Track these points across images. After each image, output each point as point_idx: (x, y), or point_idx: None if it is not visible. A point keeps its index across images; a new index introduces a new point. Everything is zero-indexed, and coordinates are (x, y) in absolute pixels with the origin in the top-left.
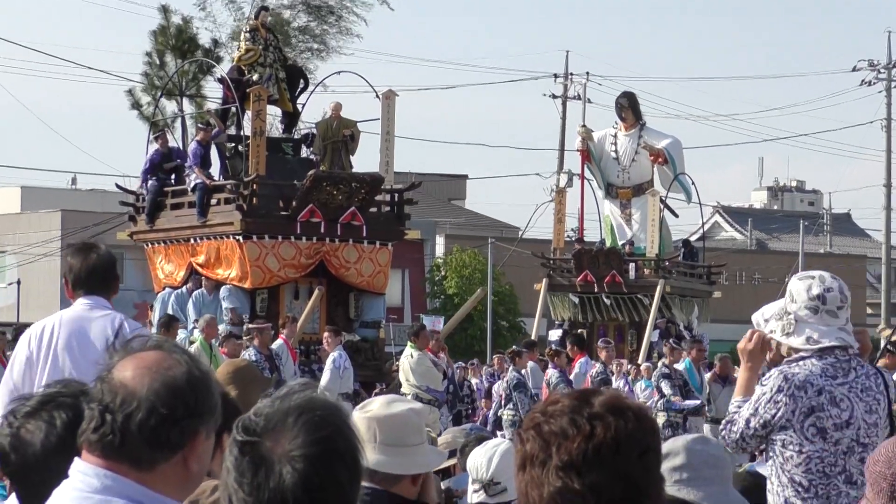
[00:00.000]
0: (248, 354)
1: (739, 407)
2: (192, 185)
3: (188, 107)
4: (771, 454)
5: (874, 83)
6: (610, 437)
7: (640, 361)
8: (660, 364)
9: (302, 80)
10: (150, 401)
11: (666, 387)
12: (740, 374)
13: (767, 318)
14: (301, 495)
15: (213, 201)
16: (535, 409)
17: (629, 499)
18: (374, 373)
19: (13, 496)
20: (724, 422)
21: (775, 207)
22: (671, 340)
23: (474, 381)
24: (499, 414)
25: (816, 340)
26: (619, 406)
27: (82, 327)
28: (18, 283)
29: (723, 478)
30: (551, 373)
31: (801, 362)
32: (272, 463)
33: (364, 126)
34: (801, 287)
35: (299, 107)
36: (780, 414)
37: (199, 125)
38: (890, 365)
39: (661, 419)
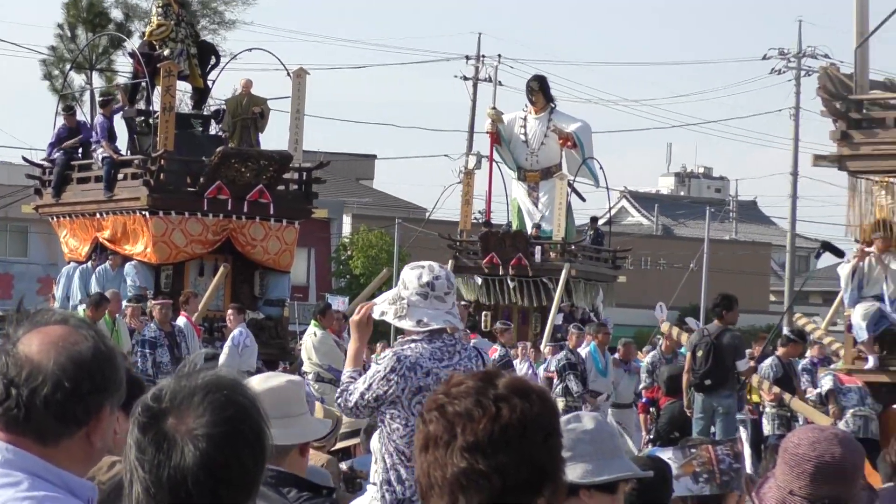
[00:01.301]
0: (148, 331)
1: (352, 377)
2: (100, 159)
3: (98, 81)
4: (380, 424)
5: (784, 71)
6: (516, 419)
7: (543, 345)
8: (563, 354)
9: (213, 57)
10: (56, 375)
11: (573, 383)
12: (350, 345)
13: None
14: (201, 475)
15: (121, 176)
16: (438, 391)
17: (534, 481)
18: (277, 351)
19: None
20: (339, 390)
21: (682, 193)
22: (574, 325)
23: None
24: None
25: (426, 323)
26: (523, 388)
27: None
28: None
29: (603, 451)
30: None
31: (412, 345)
32: (174, 441)
33: (274, 104)
34: (412, 275)
35: (210, 83)
36: (391, 391)
37: (101, 98)
38: (791, 353)
39: (560, 404)
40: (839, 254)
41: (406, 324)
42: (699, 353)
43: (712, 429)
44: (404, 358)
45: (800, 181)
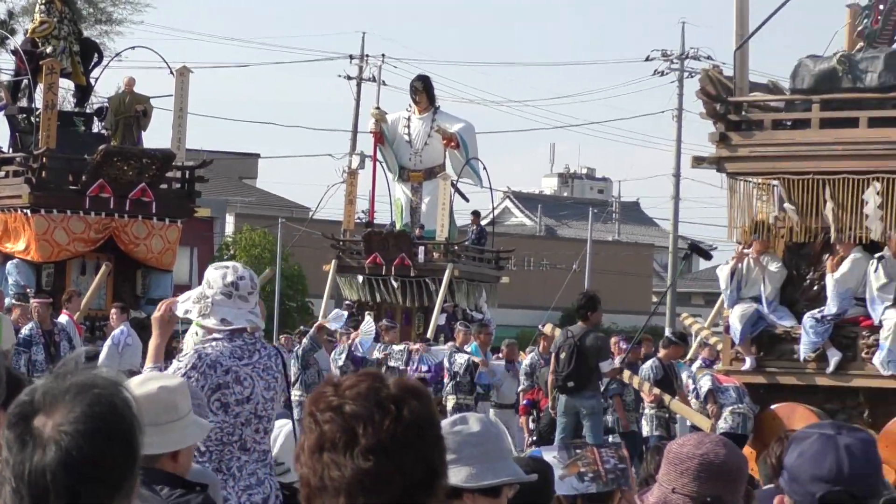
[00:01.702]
0: (27, 330)
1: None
2: None
3: None
4: None
5: (667, 73)
6: (414, 419)
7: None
8: (448, 346)
9: (96, 54)
10: None
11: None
12: (151, 341)
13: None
14: (61, 473)
15: (2, 174)
16: (325, 392)
17: (427, 482)
18: None
19: None
20: None
21: (565, 194)
22: (459, 322)
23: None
24: (287, 393)
25: (229, 322)
26: (414, 388)
27: None
28: None
29: (488, 453)
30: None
31: (213, 343)
32: (39, 439)
33: (157, 102)
34: (217, 275)
35: (92, 81)
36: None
37: None
38: (672, 355)
39: (450, 402)
40: (706, 255)
41: (209, 322)
42: (562, 355)
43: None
44: (205, 356)
45: (682, 182)
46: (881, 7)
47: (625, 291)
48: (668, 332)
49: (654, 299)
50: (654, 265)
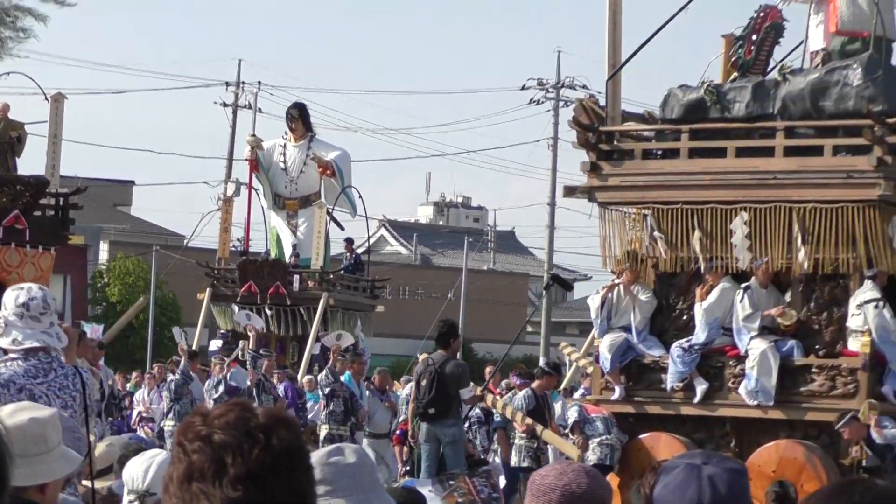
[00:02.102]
0: None
1: None
2: None
3: None
4: None
5: (543, 102)
6: (284, 449)
7: (301, 374)
8: (324, 372)
9: None
10: None
11: (335, 405)
12: None
13: None
14: None
15: None
16: (194, 421)
17: None
18: None
19: None
20: None
21: (441, 223)
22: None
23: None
24: (161, 425)
25: (20, 342)
26: (282, 418)
27: None
28: None
29: (363, 485)
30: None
31: (8, 363)
32: None
33: (32, 128)
34: (11, 296)
35: None
36: None
37: None
38: (545, 386)
39: (323, 432)
40: (567, 287)
41: (4, 342)
42: (423, 382)
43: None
44: None
45: (558, 212)
46: (754, 37)
47: (500, 321)
48: (542, 362)
49: (530, 329)
50: (529, 294)
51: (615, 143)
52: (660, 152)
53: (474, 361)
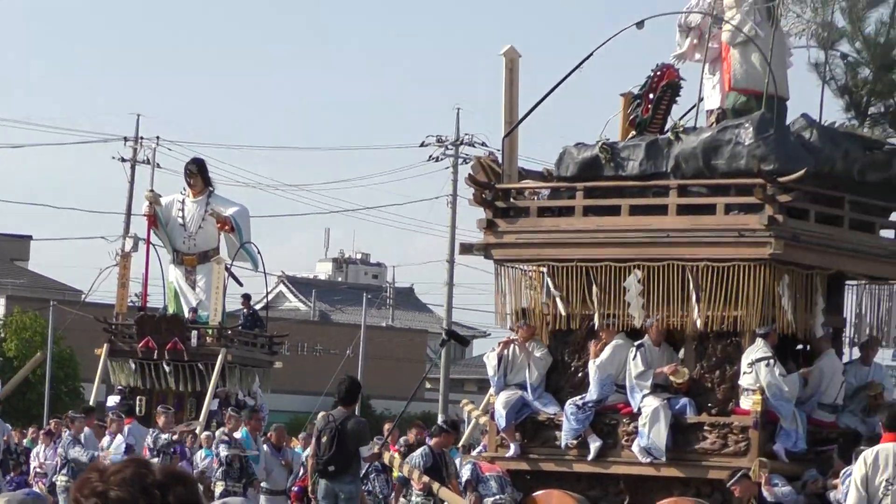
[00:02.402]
0: None
1: None
2: None
3: None
4: None
5: (442, 159)
6: None
7: (198, 430)
8: (218, 433)
9: None
10: None
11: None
12: None
13: None
14: None
15: None
16: (90, 477)
17: None
18: None
19: None
20: None
21: (340, 279)
22: (230, 409)
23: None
24: (53, 479)
25: None
26: (178, 475)
27: None
28: None
29: None
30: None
31: None
32: None
33: None
34: None
35: None
36: None
37: None
38: (443, 443)
39: (219, 488)
40: (464, 342)
41: None
42: (324, 439)
43: None
44: None
45: (457, 268)
46: (651, 96)
47: (398, 377)
48: (440, 419)
49: (429, 385)
50: (428, 351)
51: (511, 200)
52: (555, 210)
53: (373, 418)
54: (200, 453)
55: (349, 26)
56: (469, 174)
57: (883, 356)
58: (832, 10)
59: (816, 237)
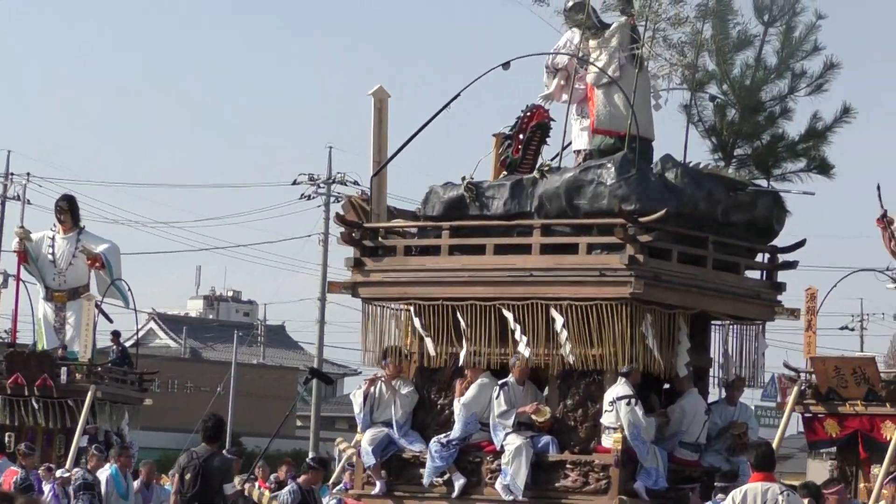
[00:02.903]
0: None
1: None
2: None
3: None
4: None
5: (314, 197)
6: None
7: (68, 466)
8: (79, 473)
9: None
10: None
11: (83, 501)
12: None
13: None
14: None
15: None
16: None
17: None
18: None
19: None
20: None
21: (211, 317)
22: (94, 447)
23: None
24: None
25: None
26: None
27: None
28: None
29: None
30: None
31: None
32: None
33: None
34: None
35: None
36: None
37: None
38: (311, 480)
39: None
40: (327, 381)
41: None
42: (187, 476)
43: None
44: None
45: (329, 306)
46: (521, 136)
47: (270, 415)
48: (310, 456)
49: (299, 423)
50: (299, 388)
51: (379, 239)
52: (422, 249)
53: (244, 455)
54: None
55: (222, 60)
56: (337, 213)
57: (753, 396)
58: (697, 52)
59: (679, 277)
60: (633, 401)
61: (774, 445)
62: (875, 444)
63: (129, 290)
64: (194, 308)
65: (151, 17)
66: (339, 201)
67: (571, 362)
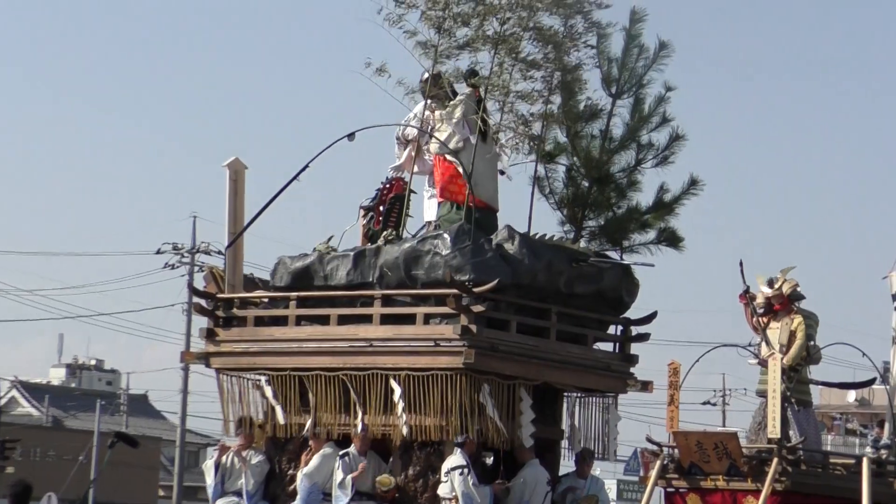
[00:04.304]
0: None
1: None
2: None
3: None
4: None
5: (178, 266)
6: None
7: None
8: None
9: None
10: None
11: None
12: None
13: None
14: None
15: None
16: None
17: None
18: None
19: None
20: None
21: (73, 385)
22: None
23: None
24: None
25: None
26: None
27: None
28: None
29: None
30: None
31: None
32: None
33: None
34: None
35: None
36: None
37: None
38: None
39: None
40: (133, 444)
41: None
42: None
43: None
44: None
45: (192, 376)
46: (381, 209)
47: (132, 484)
48: None
49: (162, 493)
50: (162, 459)
51: (233, 310)
52: (272, 319)
53: None
54: None
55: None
56: (190, 284)
57: (616, 469)
58: (544, 124)
59: (518, 347)
60: (465, 471)
61: None
62: None
63: None
64: (57, 376)
65: None
66: (202, 271)
67: (405, 433)
